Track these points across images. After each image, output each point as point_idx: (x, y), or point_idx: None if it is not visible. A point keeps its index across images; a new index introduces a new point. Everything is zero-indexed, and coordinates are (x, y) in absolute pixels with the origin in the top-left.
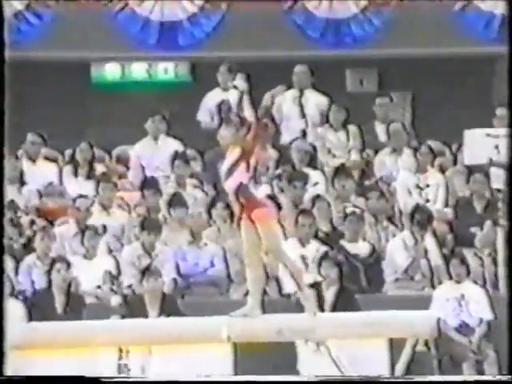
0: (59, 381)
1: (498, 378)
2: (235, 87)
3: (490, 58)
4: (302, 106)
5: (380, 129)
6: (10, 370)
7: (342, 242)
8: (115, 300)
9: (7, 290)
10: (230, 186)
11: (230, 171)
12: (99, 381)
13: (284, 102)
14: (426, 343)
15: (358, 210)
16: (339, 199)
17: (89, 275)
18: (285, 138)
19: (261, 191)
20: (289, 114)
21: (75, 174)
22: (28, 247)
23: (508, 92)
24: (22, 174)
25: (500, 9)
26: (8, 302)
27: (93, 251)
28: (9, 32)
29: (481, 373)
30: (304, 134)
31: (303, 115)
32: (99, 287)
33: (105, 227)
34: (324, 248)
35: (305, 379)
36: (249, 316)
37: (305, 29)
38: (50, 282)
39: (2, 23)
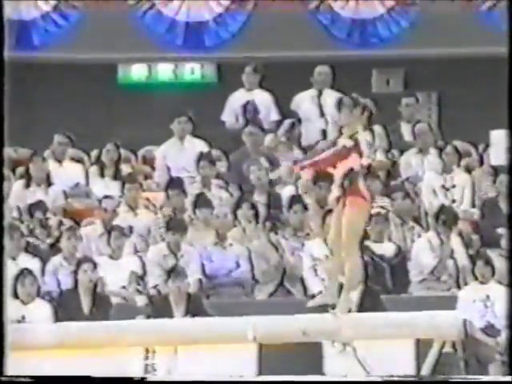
0: (62, 381)
1: (499, 378)
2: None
3: None
4: (321, 106)
5: (406, 129)
6: (22, 371)
7: (368, 243)
8: (141, 300)
9: (33, 290)
10: (339, 170)
11: (341, 156)
12: (106, 380)
13: (302, 102)
14: (453, 344)
15: (383, 211)
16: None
17: (115, 276)
18: (305, 139)
19: (286, 191)
20: (308, 114)
21: (101, 174)
22: (54, 248)
23: (508, 92)
24: (48, 175)
25: None
26: (35, 302)
27: (119, 252)
28: (36, 33)
29: (507, 374)
30: (324, 133)
31: (322, 115)
32: (125, 287)
33: (131, 228)
34: None
35: (330, 380)
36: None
37: (330, 29)
38: (76, 283)
39: (3, 23)
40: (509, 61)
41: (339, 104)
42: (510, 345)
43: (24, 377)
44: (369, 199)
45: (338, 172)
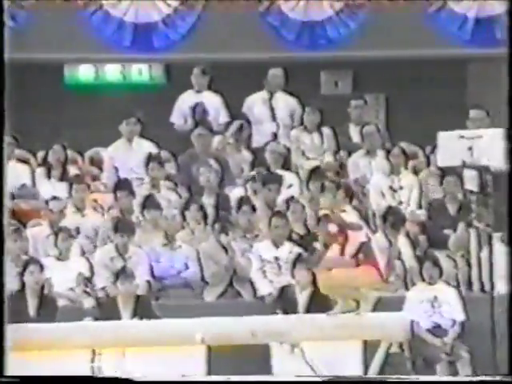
0: (61, 381)
1: (499, 378)
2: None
3: (463, 60)
4: (272, 109)
5: (354, 131)
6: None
7: (316, 245)
8: (88, 302)
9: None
10: (350, 247)
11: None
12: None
13: (254, 104)
14: (400, 345)
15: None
16: (313, 201)
17: (62, 277)
18: (256, 141)
19: (235, 193)
20: (260, 116)
21: (48, 175)
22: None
23: (508, 92)
24: None
25: (473, 11)
26: None
27: (66, 253)
28: None
29: (454, 374)
30: (275, 136)
31: (274, 118)
32: (72, 289)
33: (78, 229)
34: (298, 250)
35: (279, 380)
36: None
37: (280, 31)
38: (22, 284)
39: (3, 23)
40: (509, 61)
41: (321, 188)
42: (509, 345)
43: (23, 377)
44: (383, 268)
45: (349, 247)
